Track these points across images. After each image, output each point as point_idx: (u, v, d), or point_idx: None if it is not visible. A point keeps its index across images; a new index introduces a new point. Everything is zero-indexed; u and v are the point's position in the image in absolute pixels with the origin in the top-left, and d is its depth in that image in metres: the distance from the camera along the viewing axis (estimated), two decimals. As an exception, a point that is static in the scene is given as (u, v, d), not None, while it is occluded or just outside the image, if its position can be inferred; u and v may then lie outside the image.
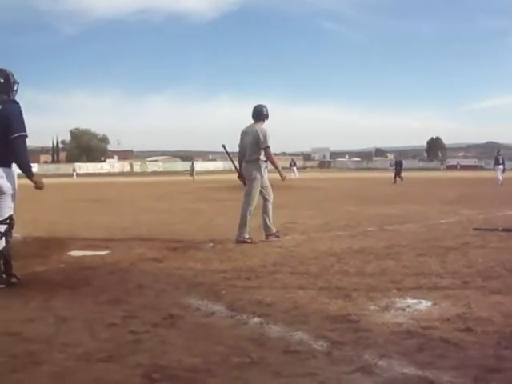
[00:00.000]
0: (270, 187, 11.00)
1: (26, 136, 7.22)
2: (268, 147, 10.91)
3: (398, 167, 44.14)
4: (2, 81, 7.31)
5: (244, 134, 11.22)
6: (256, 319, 5.36)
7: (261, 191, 10.88)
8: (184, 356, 4.35)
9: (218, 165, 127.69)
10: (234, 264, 8.27)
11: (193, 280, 7.21)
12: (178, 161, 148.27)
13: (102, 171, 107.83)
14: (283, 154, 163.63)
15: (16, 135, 7.08)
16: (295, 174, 55.33)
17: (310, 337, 4.77)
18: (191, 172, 59.57)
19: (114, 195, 29.21)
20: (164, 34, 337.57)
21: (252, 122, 11.16)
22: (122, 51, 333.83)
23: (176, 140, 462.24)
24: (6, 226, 7.15)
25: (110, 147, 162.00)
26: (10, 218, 7.23)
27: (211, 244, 10.30)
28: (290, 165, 59.30)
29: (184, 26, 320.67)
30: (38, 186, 7.46)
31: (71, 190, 38.90)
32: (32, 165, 7.58)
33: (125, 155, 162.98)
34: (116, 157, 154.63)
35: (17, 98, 7.45)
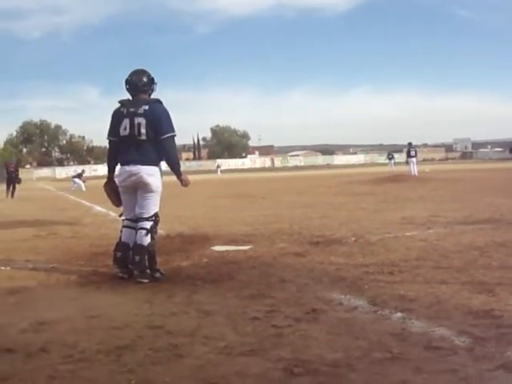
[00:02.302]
0: None
1: (175, 136, 7.47)
2: None
3: None
4: (146, 80, 7.56)
5: None
6: (398, 314, 5.33)
7: None
8: (325, 350, 4.38)
9: (360, 158, 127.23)
10: (377, 258, 8.21)
11: (335, 274, 7.21)
12: (319, 155, 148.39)
13: (243, 167, 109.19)
14: (425, 145, 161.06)
15: (166, 136, 7.33)
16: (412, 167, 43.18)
17: (452, 332, 4.70)
18: None
19: (255, 190, 29.46)
20: (298, 29, 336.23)
21: None
22: (257, 47, 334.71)
23: (316, 134, 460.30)
24: (151, 223, 7.39)
25: (250, 143, 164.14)
26: (156, 215, 7.48)
27: (353, 238, 10.23)
28: (409, 154, 44.25)
29: (318, 19, 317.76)
30: (185, 184, 7.69)
31: (213, 186, 39.56)
32: (178, 163, 7.78)
33: (266, 151, 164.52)
34: (257, 152, 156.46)
35: (159, 97, 7.69)
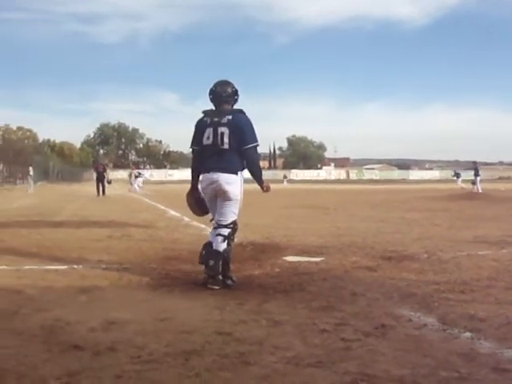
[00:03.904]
0: None
1: (258, 145, 7.61)
2: None
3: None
4: (230, 91, 7.67)
5: None
6: (467, 334, 5.26)
7: None
8: (392, 366, 4.35)
9: (435, 174, 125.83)
10: (449, 276, 8.09)
11: (406, 290, 7.15)
12: (395, 169, 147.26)
13: (318, 178, 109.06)
14: (500, 163, 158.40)
15: (250, 146, 7.47)
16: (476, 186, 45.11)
17: (522, 355, 4.64)
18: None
19: (329, 202, 29.43)
20: (376, 42, 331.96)
21: None
22: (335, 59, 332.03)
23: (392, 148, 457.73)
24: (229, 230, 7.49)
25: (326, 154, 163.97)
26: (234, 222, 7.57)
27: (426, 255, 10.14)
28: (477, 172, 45.79)
29: (396, 33, 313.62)
30: (267, 190, 7.92)
31: (287, 196, 39.56)
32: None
33: (341, 163, 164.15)
34: (333, 164, 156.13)
35: (238, 106, 7.80)
